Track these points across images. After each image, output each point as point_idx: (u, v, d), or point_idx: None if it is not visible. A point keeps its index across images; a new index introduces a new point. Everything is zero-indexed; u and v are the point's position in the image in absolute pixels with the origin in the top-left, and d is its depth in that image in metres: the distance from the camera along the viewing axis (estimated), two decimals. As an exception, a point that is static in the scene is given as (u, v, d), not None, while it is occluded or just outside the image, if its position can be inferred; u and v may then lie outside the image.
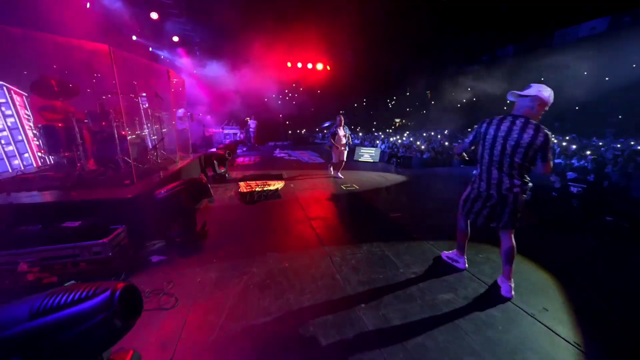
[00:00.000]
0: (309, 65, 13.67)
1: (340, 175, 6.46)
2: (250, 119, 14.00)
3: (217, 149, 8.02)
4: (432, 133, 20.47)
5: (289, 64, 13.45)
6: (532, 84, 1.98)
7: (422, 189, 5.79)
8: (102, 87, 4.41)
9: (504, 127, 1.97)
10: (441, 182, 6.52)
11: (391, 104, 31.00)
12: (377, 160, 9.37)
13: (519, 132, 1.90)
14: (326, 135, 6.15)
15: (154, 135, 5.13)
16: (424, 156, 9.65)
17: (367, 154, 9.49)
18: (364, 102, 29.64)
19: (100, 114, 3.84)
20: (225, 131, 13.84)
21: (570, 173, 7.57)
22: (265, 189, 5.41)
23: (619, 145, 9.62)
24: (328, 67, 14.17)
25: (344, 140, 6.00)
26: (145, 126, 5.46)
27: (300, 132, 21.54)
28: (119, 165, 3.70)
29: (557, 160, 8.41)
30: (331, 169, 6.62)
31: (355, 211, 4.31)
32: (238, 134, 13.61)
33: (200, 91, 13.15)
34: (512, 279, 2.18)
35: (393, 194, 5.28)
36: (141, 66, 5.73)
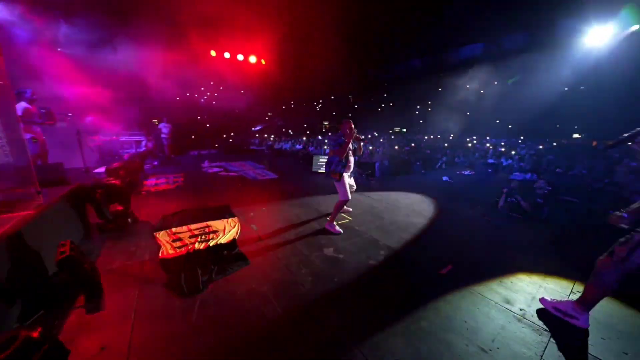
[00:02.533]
0: (240, 57, 11.18)
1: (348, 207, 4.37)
2: (161, 122, 10.40)
3: (107, 170, 4.89)
4: (373, 136, 20.95)
5: (212, 53, 10.61)
6: None
7: (431, 209, 4.64)
8: None
9: None
10: (440, 195, 5.59)
11: (319, 107, 31.15)
12: (341, 170, 7.99)
13: None
14: (328, 152, 3.64)
15: None
16: (385, 163, 8.91)
17: (328, 164, 7.98)
18: (292, 104, 28.60)
19: None
20: (123, 139, 9.83)
21: (517, 174, 8.07)
22: (211, 242, 3.10)
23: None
24: (263, 61, 12.01)
25: (352, 163, 3.62)
26: None
27: (229, 137, 18.35)
28: None
29: (491, 161, 9.05)
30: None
31: (384, 273, 2.66)
32: (144, 143, 9.85)
33: (74, 80, 8.79)
34: None
35: (401, 224, 3.89)
36: None
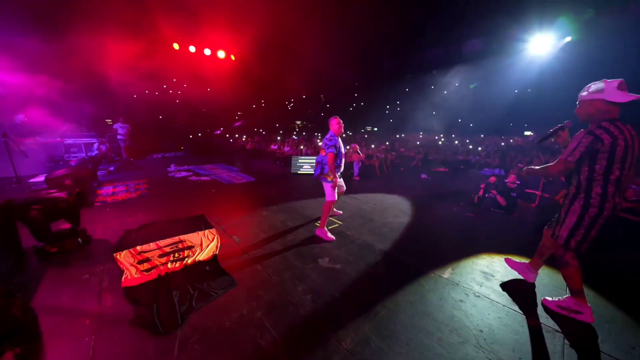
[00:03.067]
0: (207, 51, 10.37)
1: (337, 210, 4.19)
2: (116, 122, 9.23)
3: (47, 180, 4.09)
4: (347, 135, 21.07)
5: (176, 46, 9.69)
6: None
7: (417, 208, 4.60)
8: None
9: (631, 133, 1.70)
10: (423, 194, 5.61)
11: (290, 107, 30.83)
12: (321, 171, 7.76)
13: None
14: (323, 154, 3.17)
15: None
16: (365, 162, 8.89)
17: (308, 165, 7.72)
18: (263, 103, 27.89)
19: None
20: (69, 142, 8.54)
21: (487, 170, 8.55)
22: (188, 260, 2.66)
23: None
24: (232, 57, 11.30)
25: (342, 164, 3.30)
26: None
27: (197, 137, 17.13)
28: None
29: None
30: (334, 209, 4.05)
31: (387, 283, 2.48)
32: (96, 146, 8.65)
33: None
34: None
35: (393, 226, 3.77)
36: None
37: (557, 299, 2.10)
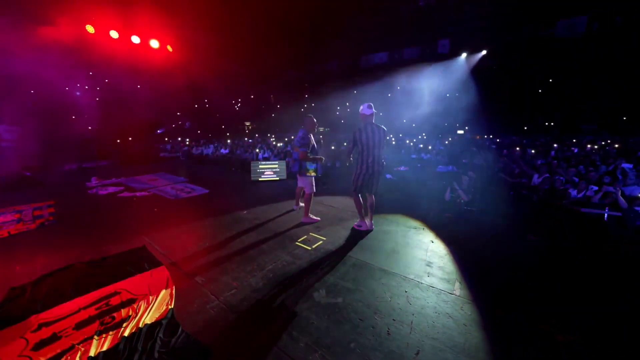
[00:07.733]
0: (135, 39, 8.61)
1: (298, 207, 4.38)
2: (1, 125, 6.88)
3: None
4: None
5: (90, 29, 7.74)
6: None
7: (398, 211, 4.36)
8: None
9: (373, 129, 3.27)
10: (396, 196, 5.45)
11: (237, 107, 29.10)
12: (285, 177, 7.10)
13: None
14: (297, 151, 3.74)
15: None
16: (337, 164, 8.55)
17: (270, 170, 6.97)
18: (206, 103, 25.58)
19: None
20: None
21: (441, 167, 9.12)
22: (128, 325, 1.79)
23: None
24: (169, 48, 9.68)
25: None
26: None
27: (129, 144, 14.37)
28: None
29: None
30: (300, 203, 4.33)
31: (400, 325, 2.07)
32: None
33: None
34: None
35: (383, 238, 3.44)
36: None
37: (356, 222, 3.61)
